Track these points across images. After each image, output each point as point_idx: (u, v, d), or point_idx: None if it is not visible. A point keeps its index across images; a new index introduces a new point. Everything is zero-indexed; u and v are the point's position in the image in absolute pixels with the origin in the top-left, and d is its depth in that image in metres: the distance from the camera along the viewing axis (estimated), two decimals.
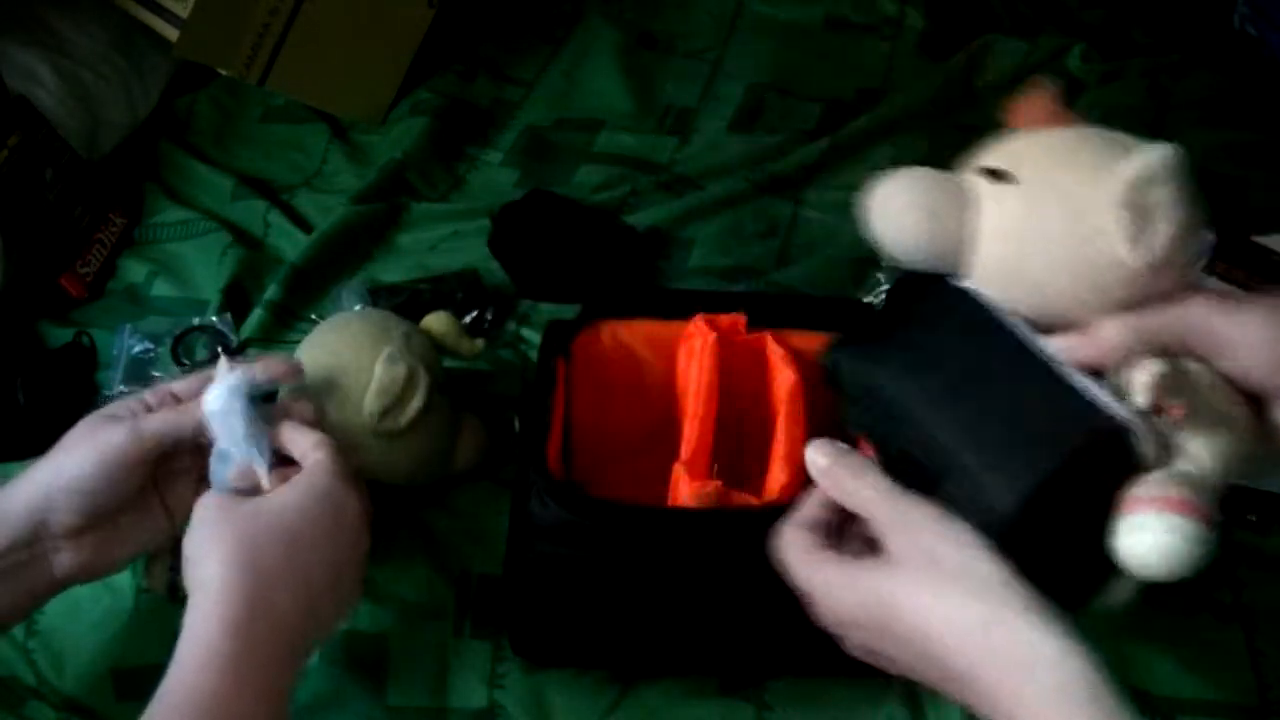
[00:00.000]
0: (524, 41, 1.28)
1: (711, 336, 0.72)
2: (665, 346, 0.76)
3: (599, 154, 1.13)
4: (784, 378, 0.71)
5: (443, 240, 1.03)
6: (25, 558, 0.63)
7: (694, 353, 0.73)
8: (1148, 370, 0.52)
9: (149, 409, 0.67)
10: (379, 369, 0.71)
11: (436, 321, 0.79)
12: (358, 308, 0.89)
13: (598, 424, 0.78)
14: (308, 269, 0.99)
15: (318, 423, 0.68)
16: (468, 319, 0.91)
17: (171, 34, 1.03)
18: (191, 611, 0.58)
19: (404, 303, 0.91)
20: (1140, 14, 1.28)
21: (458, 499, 0.80)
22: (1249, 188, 1.03)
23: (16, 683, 0.73)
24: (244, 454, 0.64)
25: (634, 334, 0.76)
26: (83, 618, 0.74)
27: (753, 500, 0.66)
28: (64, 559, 0.64)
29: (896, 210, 0.56)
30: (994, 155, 0.56)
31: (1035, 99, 0.56)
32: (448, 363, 0.78)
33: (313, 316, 0.96)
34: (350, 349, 0.72)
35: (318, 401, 0.70)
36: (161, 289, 1.00)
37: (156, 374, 0.91)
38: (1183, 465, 0.53)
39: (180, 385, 0.68)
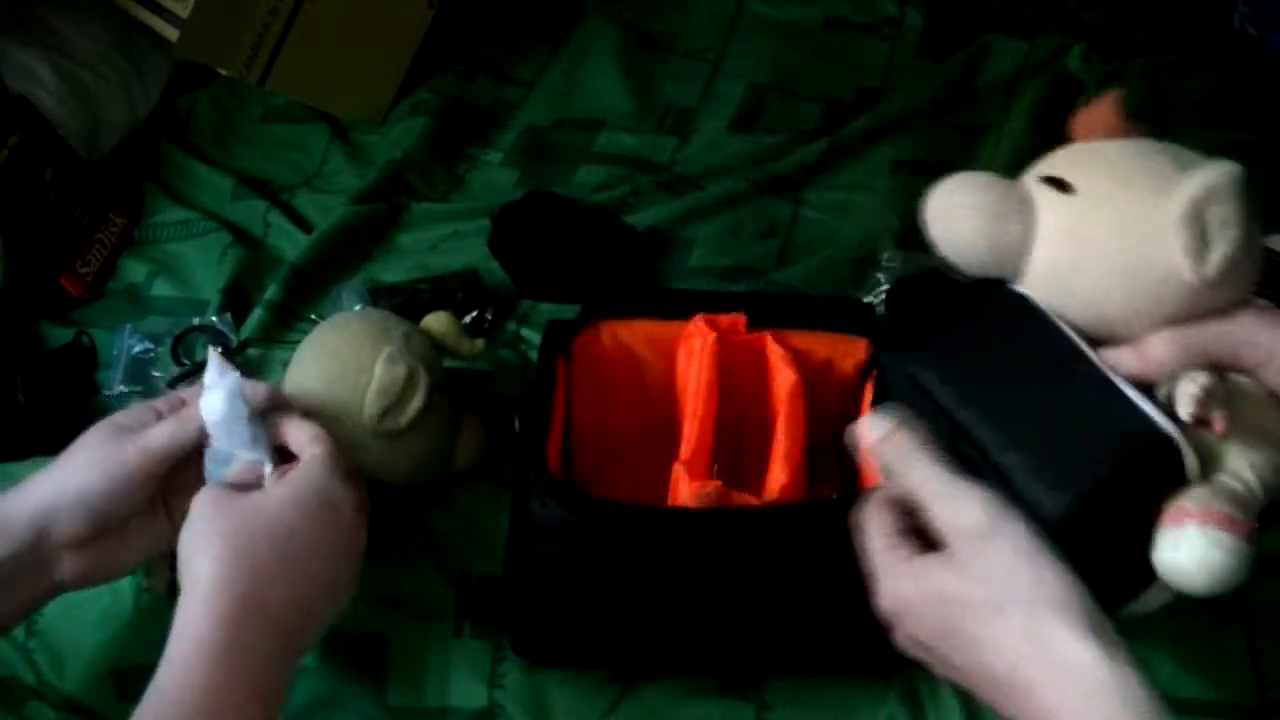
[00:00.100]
0: (524, 41, 1.28)
1: (711, 336, 0.72)
2: (665, 346, 0.76)
3: (599, 154, 1.13)
4: (784, 378, 0.71)
5: (443, 240, 1.03)
6: (28, 564, 0.63)
7: (694, 353, 0.73)
8: (1194, 383, 0.52)
9: (158, 418, 0.67)
10: (379, 369, 0.71)
11: (436, 321, 0.79)
12: (358, 308, 0.89)
13: (598, 424, 0.78)
14: (308, 269, 0.99)
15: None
16: (468, 319, 0.91)
17: (171, 34, 1.03)
18: (183, 607, 0.58)
19: (404, 303, 0.91)
20: (1140, 14, 1.28)
21: (458, 499, 0.79)
22: (1249, 188, 1.03)
23: (16, 683, 0.73)
24: (249, 455, 0.64)
25: (634, 334, 0.76)
26: (83, 618, 0.74)
27: (753, 500, 0.66)
28: (67, 566, 0.64)
29: (956, 214, 0.57)
30: (1055, 165, 0.56)
31: (1098, 108, 0.56)
32: (448, 363, 0.78)
33: (313, 316, 0.96)
34: (350, 349, 0.72)
35: (317, 402, 0.70)
36: (161, 289, 1.00)
37: (156, 374, 0.91)
38: (1226, 480, 0.53)
39: (191, 395, 0.68)
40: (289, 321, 0.95)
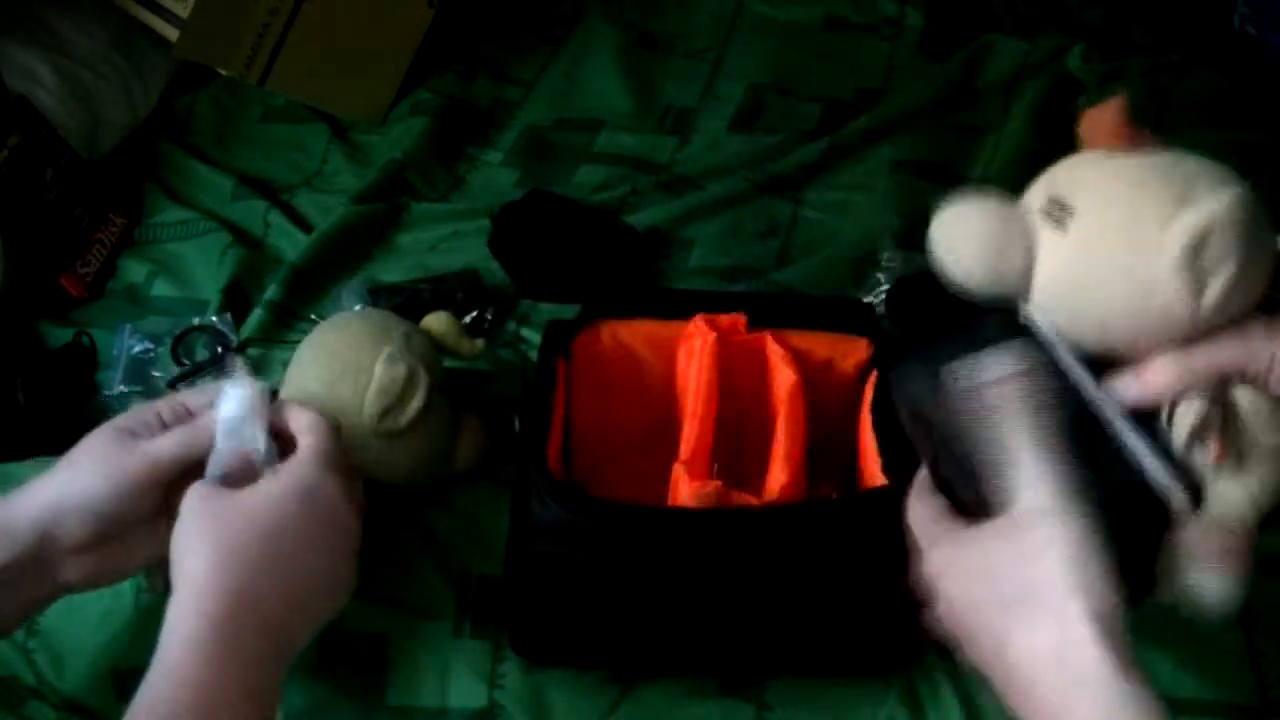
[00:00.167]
0: (524, 41, 1.28)
1: (711, 336, 0.72)
2: (665, 346, 0.76)
3: (599, 154, 1.13)
4: (784, 378, 0.71)
5: (443, 240, 1.03)
6: (31, 568, 0.63)
7: (694, 353, 0.73)
8: (1190, 413, 0.53)
9: (162, 422, 0.67)
10: (379, 369, 0.71)
11: (436, 321, 0.79)
12: (358, 308, 0.89)
13: (598, 424, 0.78)
14: (308, 269, 0.99)
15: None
16: (468, 319, 0.91)
17: (171, 34, 1.03)
18: (173, 606, 0.57)
19: (404, 303, 0.91)
20: (1140, 14, 1.28)
21: (458, 499, 0.79)
22: (1249, 188, 1.03)
23: (16, 683, 0.73)
24: (248, 449, 0.64)
25: (634, 334, 0.76)
26: (83, 618, 0.74)
27: (753, 500, 0.66)
28: (70, 570, 0.64)
29: (960, 240, 0.57)
30: (1055, 186, 0.56)
31: (1103, 113, 0.56)
32: (448, 363, 0.78)
33: (313, 316, 0.96)
34: (350, 349, 0.72)
35: (317, 402, 0.70)
36: (161, 289, 1.00)
37: (156, 374, 0.91)
38: (1222, 509, 0.54)
39: (193, 399, 0.68)
40: (289, 321, 0.95)
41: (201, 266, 1.01)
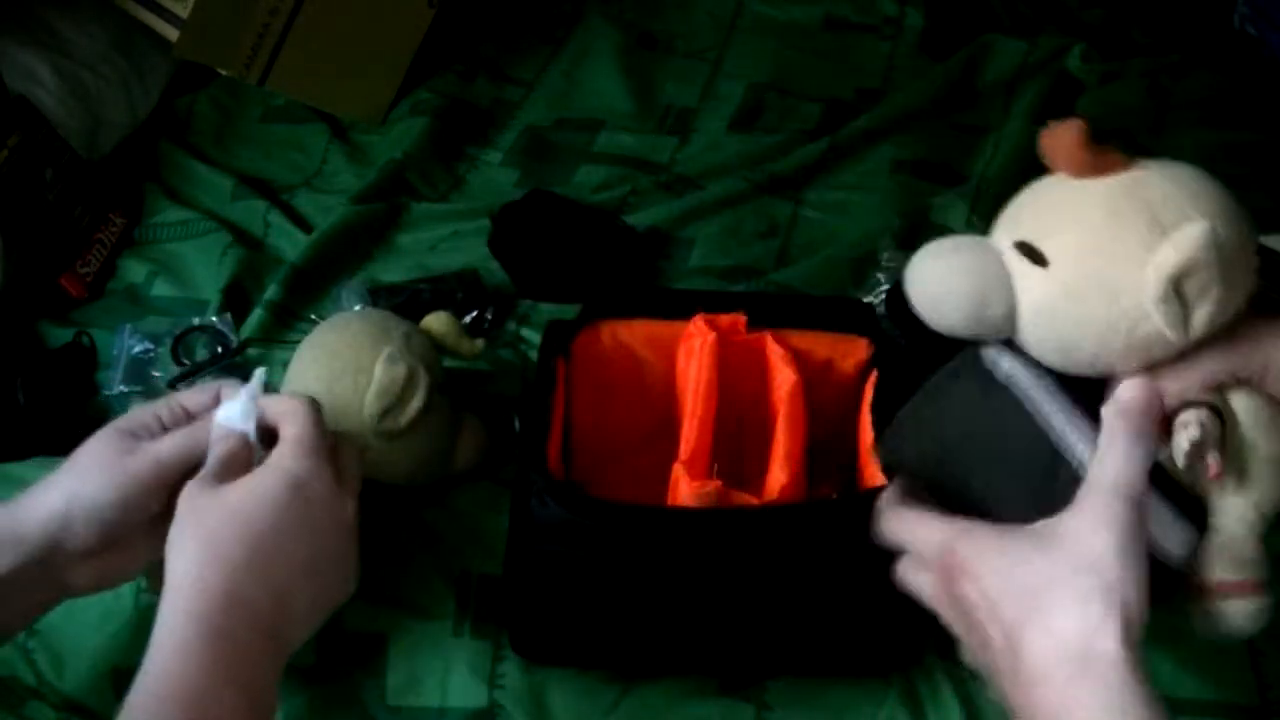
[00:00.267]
0: (524, 41, 1.28)
1: (711, 336, 0.72)
2: (665, 346, 0.76)
3: (599, 154, 1.13)
4: (784, 378, 0.71)
5: (443, 240, 1.03)
6: (39, 573, 0.63)
7: (694, 353, 0.73)
8: (1186, 433, 0.52)
9: (162, 423, 0.67)
10: (379, 369, 0.71)
11: (436, 321, 0.79)
12: (358, 308, 0.89)
13: (598, 424, 0.78)
14: (308, 269, 0.99)
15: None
16: (468, 319, 0.91)
17: (171, 34, 1.03)
18: (162, 604, 0.57)
19: (404, 303, 0.91)
20: (1140, 14, 1.28)
21: (458, 499, 0.79)
22: (1249, 188, 1.03)
23: (16, 683, 0.73)
24: (251, 439, 0.64)
25: (634, 334, 0.76)
26: (83, 618, 0.74)
27: (753, 500, 0.66)
28: (76, 576, 0.64)
29: (939, 292, 0.55)
30: (1021, 226, 0.55)
31: (1060, 139, 0.54)
32: (448, 363, 0.78)
33: (313, 316, 0.96)
34: (350, 349, 0.72)
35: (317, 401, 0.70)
36: (161, 289, 1.00)
37: (156, 374, 0.91)
38: (1229, 534, 0.54)
39: (192, 400, 0.68)
40: (289, 321, 0.95)
41: (201, 266, 1.01)
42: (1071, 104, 1.15)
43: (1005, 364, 0.57)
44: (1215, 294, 0.51)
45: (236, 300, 0.97)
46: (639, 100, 1.19)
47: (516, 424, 0.80)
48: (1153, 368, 0.54)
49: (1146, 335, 0.52)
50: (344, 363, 0.72)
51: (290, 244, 1.03)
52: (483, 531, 0.77)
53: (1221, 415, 0.53)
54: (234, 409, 0.64)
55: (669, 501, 0.67)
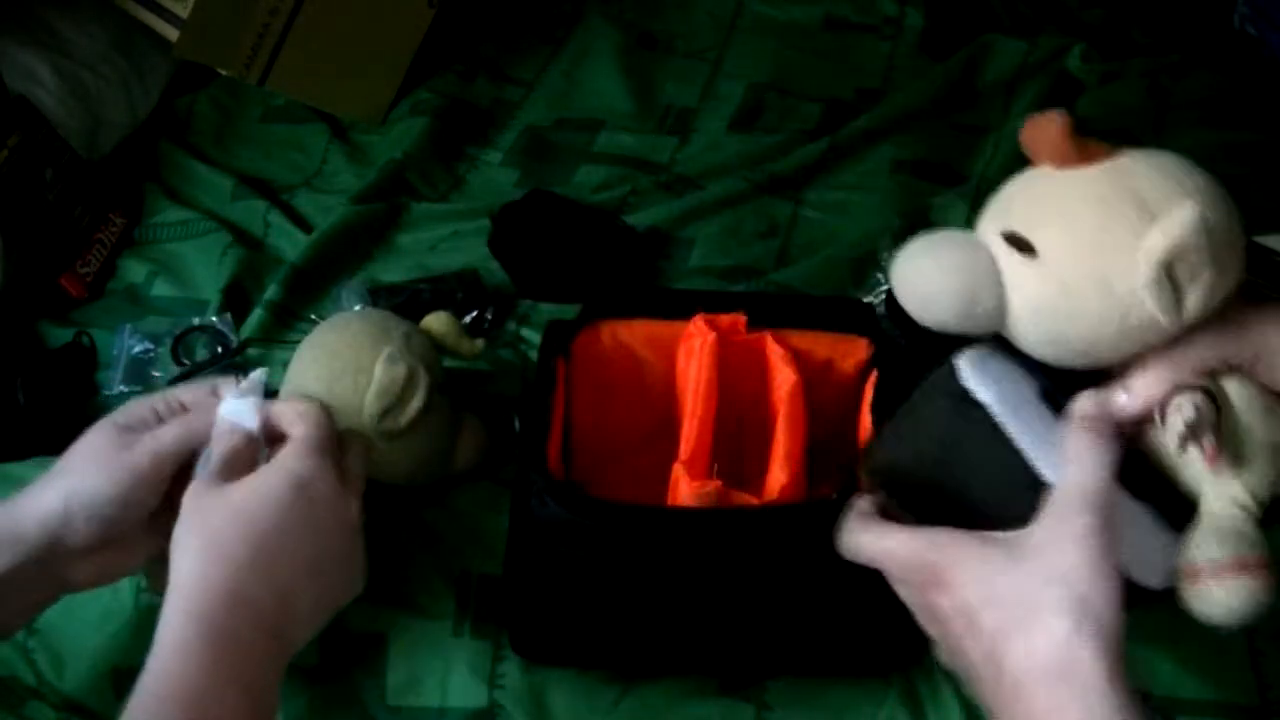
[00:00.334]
0: (524, 41, 1.28)
1: (711, 336, 0.72)
2: (665, 346, 0.76)
3: (599, 154, 1.13)
4: (784, 378, 0.71)
5: (443, 240, 1.03)
6: (36, 571, 0.63)
7: (694, 353, 0.73)
8: (1181, 413, 0.52)
9: (158, 417, 0.67)
10: (379, 369, 0.71)
11: (436, 321, 0.79)
12: (358, 308, 0.89)
13: (598, 424, 0.78)
14: (308, 269, 0.99)
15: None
16: (468, 319, 0.91)
17: (171, 34, 1.03)
18: (165, 604, 0.57)
19: (404, 303, 0.91)
20: (1140, 14, 1.28)
21: (458, 499, 0.79)
22: (1249, 188, 1.03)
23: (16, 683, 0.73)
24: (254, 435, 0.64)
25: (634, 334, 0.76)
26: (83, 618, 0.74)
27: (753, 500, 0.66)
28: (76, 572, 0.64)
29: (924, 281, 0.55)
30: (1011, 217, 0.55)
31: (1046, 128, 0.54)
32: (448, 363, 0.78)
33: (313, 316, 0.96)
34: (350, 349, 0.72)
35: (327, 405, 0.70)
36: (161, 289, 1.00)
37: (156, 374, 0.91)
38: (1224, 517, 0.53)
39: (188, 395, 0.68)
40: (289, 321, 0.95)
41: (201, 266, 1.01)
42: (1071, 104, 1.14)
43: (974, 387, 0.56)
44: (1206, 277, 0.51)
45: (236, 300, 0.97)
46: (639, 100, 1.19)
47: (516, 424, 0.80)
48: (1144, 356, 0.54)
49: (1139, 322, 0.52)
50: (344, 363, 0.72)
51: (290, 244, 1.03)
52: (483, 531, 0.77)
53: (1215, 400, 0.53)
54: (239, 406, 0.64)
55: (669, 501, 0.67)
